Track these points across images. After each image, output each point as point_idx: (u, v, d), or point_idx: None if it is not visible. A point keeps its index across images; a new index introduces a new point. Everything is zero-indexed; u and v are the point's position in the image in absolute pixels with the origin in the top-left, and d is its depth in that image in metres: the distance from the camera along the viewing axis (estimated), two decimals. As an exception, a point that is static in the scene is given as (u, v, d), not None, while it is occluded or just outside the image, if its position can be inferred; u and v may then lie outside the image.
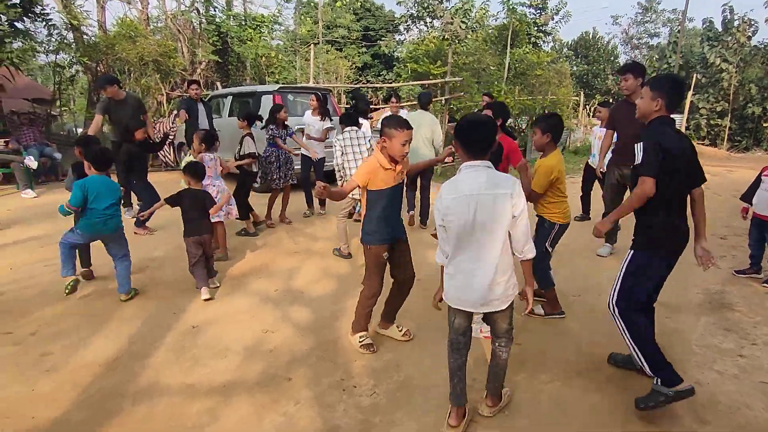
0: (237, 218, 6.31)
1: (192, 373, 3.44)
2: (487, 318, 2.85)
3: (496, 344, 2.90)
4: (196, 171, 5.02)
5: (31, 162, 9.20)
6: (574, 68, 33.45)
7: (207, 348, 3.78)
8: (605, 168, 6.19)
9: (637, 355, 3.07)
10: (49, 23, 11.56)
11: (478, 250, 2.61)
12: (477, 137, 2.64)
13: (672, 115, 3.16)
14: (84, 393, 3.18)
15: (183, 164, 5.72)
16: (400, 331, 3.96)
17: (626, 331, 3.11)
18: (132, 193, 7.34)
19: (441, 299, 2.88)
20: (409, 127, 3.41)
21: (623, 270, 3.17)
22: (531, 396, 3.23)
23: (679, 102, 3.09)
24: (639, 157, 2.93)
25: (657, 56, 29.16)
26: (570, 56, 35.20)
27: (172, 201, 4.89)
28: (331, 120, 7.97)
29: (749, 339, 4.04)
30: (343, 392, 3.20)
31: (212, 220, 5.43)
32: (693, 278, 5.34)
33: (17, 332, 3.99)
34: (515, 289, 2.73)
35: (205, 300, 4.63)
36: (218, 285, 4.96)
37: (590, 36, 36.75)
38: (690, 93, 20.76)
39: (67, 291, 4.57)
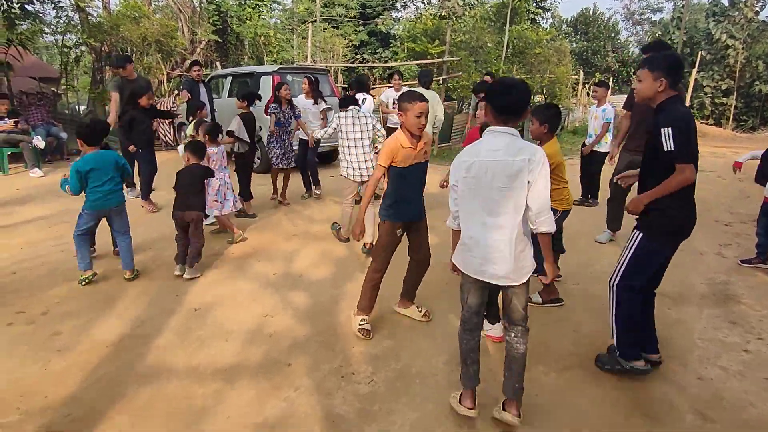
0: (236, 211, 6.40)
1: (196, 355, 3.56)
2: (504, 299, 2.78)
3: (512, 335, 2.78)
4: (196, 148, 5.14)
5: (39, 142, 9.45)
6: (574, 45, 32.79)
7: (210, 331, 3.89)
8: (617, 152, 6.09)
9: (613, 329, 3.20)
10: (58, 5, 11.69)
11: (497, 217, 2.56)
12: (509, 101, 2.56)
13: None
14: (93, 373, 3.30)
15: (183, 144, 5.89)
16: (420, 311, 4.05)
17: (615, 307, 3.19)
18: (135, 172, 7.33)
19: (456, 269, 2.86)
20: (423, 99, 3.43)
21: (630, 252, 3.14)
22: (529, 387, 3.16)
23: (680, 79, 3.02)
24: (669, 143, 2.81)
25: (660, 32, 28.83)
26: (569, 33, 34.69)
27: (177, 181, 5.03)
28: (325, 101, 8.01)
29: (755, 333, 4.00)
30: (341, 379, 3.29)
31: (219, 213, 5.58)
32: (697, 267, 5.32)
33: (29, 311, 4.12)
34: (532, 265, 2.69)
35: (176, 276, 4.86)
36: (198, 275, 4.94)
37: (590, 12, 35.90)
38: (694, 70, 20.43)
39: (82, 284, 4.58)
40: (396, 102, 7.91)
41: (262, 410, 2.99)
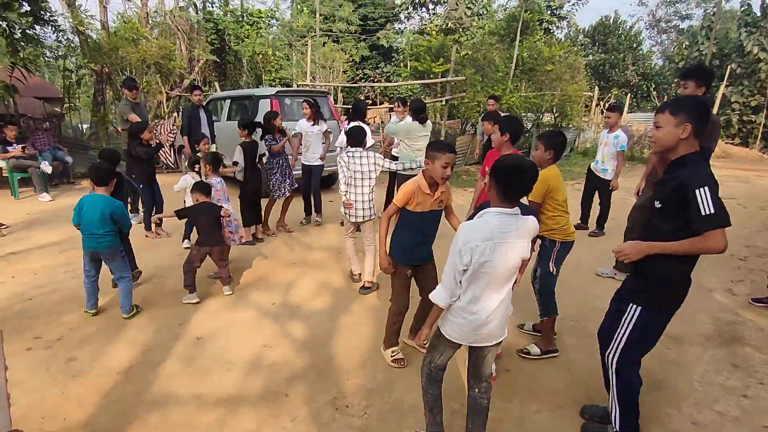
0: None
1: (200, 383, 3.83)
2: (477, 357, 2.89)
3: (476, 390, 2.94)
4: (203, 188, 5.40)
5: (46, 167, 9.84)
6: (590, 58, 30.14)
7: (212, 360, 4.16)
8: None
9: (615, 409, 3.03)
10: (58, 28, 12.10)
11: (499, 290, 2.66)
12: (517, 184, 2.57)
13: None
14: (107, 398, 3.59)
15: (185, 176, 6.26)
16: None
17: (616, 387, 3.01)
18: (139, 198, 7.66)
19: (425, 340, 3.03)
20: (452, 151, 3.49)
21: (628, 328, 2.90)
22: (520, 424, 3.36)
23: (706, 126, 2.66)
24: (706, 207, 2.48)
25: (687, 42, 26.25)
26: (586, 44, 31.73)
27: (182, 214, 5.31)
28: (325, 121, 8.15)
29: (757, 377, 3.93)
30: (336, 411, 3.52)
31: (235, 244, 5.86)
32: (704, 305, 5.21)
33: (46, 337, 4.42)
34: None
35: (186, 303, 5.15)
36: (231, 293, 5.41)
37: (610, 21, 32.35)
38: (723, 84, 19.09)
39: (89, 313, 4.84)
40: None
41: (262, 437, 3.25)
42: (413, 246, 3.87)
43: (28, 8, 11.00)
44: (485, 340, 2.76)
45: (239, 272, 6.04)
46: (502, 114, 7.36)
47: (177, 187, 6.42)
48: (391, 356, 4.09)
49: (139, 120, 7.56)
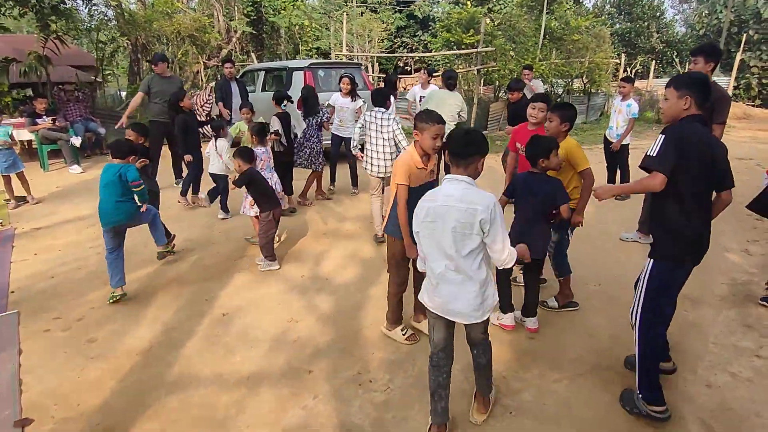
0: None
1: (222, 362, 3.69)
2: (466, 328, 2.92)
3: (474, 352, 3.00)
4: (249, 155, 5.27)
5: (76, 140, 9.82)
6: (617, 26, 31.71)
7: (235, 337, 4.02)
8: None
9: (638, 366, 3.10)
10: (90, 3, 12.04)
11: (456, 260, 2.64)
12: (460, 149, 2.68)
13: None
14: (124, 381, 3.47)
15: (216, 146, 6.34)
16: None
17: (640, 343, 3.09)
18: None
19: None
20: (441, 121, 3.46)
21: (645, 283, 3.07)
22: (539, 395, 3.30)
23: (707, 99, 2.93)
24: (655, 149, 2.82)
25: (706, 11, 27.97)
26: (613, 13, 33.37)
27: (241, 182, 5.16)
28: (361, 98, 8.03)
29: None
30: (359, 387, 3.38)
31: (248, 214, 5.73)
32: (720, 265, 5.25)
33: (66, 317, 4.33)
34: (494, 301, 2.78)
35: (273, 269, 5.24)
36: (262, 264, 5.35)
37: None
38: (740, 51, 19.94)
39: (110, 301, 4.53)
40: (422, 99, 7.91)
41: (281, 418, 3.11)
42: (408, 220, 3.66)
43: (59, -17, 10.98)
44: (454, 315, 2.76)
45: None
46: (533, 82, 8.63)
47: (212, 147, 6.63)
48: (403, 335, 3.94)
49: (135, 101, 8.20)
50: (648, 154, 2.85)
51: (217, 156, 6.65)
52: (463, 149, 2.67)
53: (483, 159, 2.75)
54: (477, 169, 2.72)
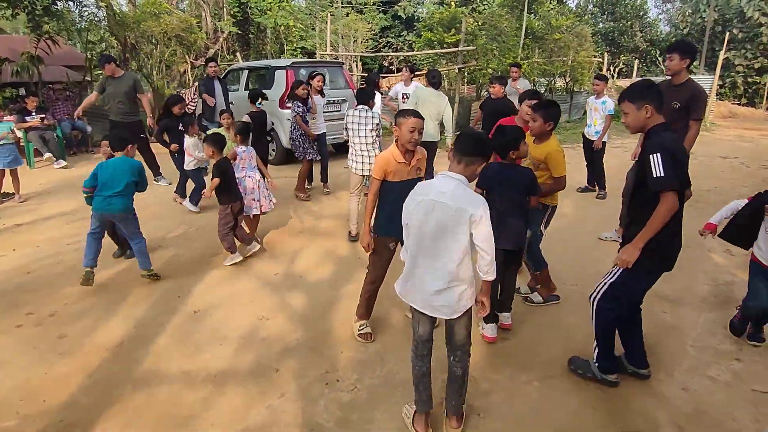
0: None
1: (191, 359, 3.69)
2: (446, 325, 2.88)
3: (452, 358, 2.91)
4: (220, 142, 5.31)
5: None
6: (600, 26, 32.13)
7: (206, 335, 4.03)
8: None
9: (595, 340, 3.30)
10: (81, 4, 12.16)
11: (434, 255, 2.68)
12: (465, 148, 2.71)
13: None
14: (92, 377, 3.47)
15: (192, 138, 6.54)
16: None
17: (594, 319, 3.28)
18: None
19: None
20: (417, 116, 3.53)
21: (613, 277, 3.15)
22: (508, 396, 3.29)
23: (662, 101, 3.01)
24: (657, 170, 2.79)
25: (690, 10, 28.36)
26: (596, 13, 33.71)
27: (219, 173, 5.15)
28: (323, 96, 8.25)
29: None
30: (326, 386, 3.38)
31: (258, 212, 5.76)
32: (702, 265, 5.28)
33: (39, 312, 4.33)
34: (471, 301, 2.78)
35: (231, 264, 5.23)
36: (259, 246, 5.52)
37: None
38: (723, 49, 20.03)
39: (81, 282, 4.62)
40: (405, 96, 7.98)
41: (246, 417, 3.11)
42: (394, 218, 3.63)
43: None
44: (432, 310, 2.76)
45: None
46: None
47: (188, 141, 6.80)
48: (358, 330, 3.97)
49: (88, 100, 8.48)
50: (655, 176, 2.81)
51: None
52: (467, 147, 2.70)
53: (483, 163, 2.79)
54: (475, 171, 2.75)
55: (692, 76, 5.26)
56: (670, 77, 5.13)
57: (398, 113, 3.62)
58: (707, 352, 3.78)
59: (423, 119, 3.58)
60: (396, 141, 3.65)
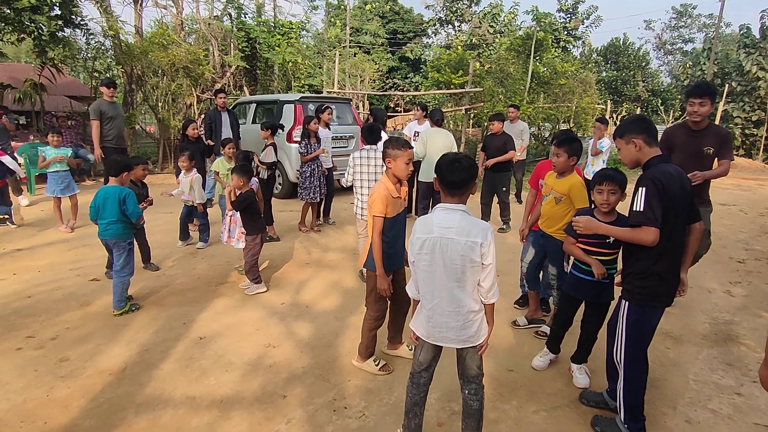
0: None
1: (195, 385, 3.62)
2: (458, 357, 2.82)
3: (466, 391, 2.83)
4: (249, 172, 5.30)
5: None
6: (604, 74, 33.30)
7: (211, 361, 3.96)
8: None
9: (622, 401, 3.08)
10: (88, 32, 12.25)
11: (450, 291, 2.61)
12: (454, 178, 2.60)
13: None
14: (94, 401, 3.39)
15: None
16: (411, 349, 3.99)
17: (625, 380, 3.06)
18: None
19: (417, 337, 2.86)
20: (410, 147, 3.54)
21: (624, 325, 3.05)
22: (516, 425, 3.26)
23: (653, 133, 2.99)
24: (638, 204, 2.80)
25: (690, 63, 29.19)
26: (599, 62, 35.11)
27: (239, 205, 5.14)
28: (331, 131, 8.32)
29: (750, 376, 3.94)
30: (333, 413, 3.32)
31: (237, 246, 5.65)
32: (702, 305, 5.30)
33: (39, 336, 4.26)
34: (484, 329, 2.73)
35: (254, 294, 5.27)
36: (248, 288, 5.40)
37: (620, 42, 36.55)
38: (722, 102, 20.61)
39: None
40: (416, 134, 8.12)
41: (253, 443, 3.03)
42: (391, 253, 3.68)
43: (59, 12, 11.18)
44: (444, 340, 2.73)
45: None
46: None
47: (175, 192, 6.61)
48: (376, 366, 3.86)
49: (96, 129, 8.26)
50: (635, 210, 2.83)
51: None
52: (456, 179, 2.60)
53: (475, 184, 2.73)
54: (470, 194, 2.70)
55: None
56: (692, 122, 4.64)
57: (391, 145, 3.53)
58: (709, 387, 3.80)
59: (413, 149, 3.63)
60: (386, 171, 3.61)
